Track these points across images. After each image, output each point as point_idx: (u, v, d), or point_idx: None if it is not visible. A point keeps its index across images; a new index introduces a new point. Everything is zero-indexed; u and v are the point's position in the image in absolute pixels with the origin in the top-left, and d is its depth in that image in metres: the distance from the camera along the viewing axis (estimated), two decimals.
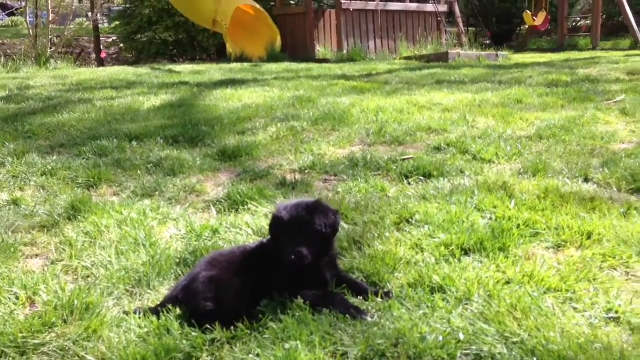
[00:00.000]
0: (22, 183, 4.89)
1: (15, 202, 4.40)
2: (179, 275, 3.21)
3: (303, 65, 14.20)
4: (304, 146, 5.87)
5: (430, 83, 10.17)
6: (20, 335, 2.63)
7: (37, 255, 3.64)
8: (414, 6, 18.05)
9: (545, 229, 3.54)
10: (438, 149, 5.60)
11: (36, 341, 2.62)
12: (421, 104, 7.78)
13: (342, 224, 3.78)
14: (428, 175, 4.72)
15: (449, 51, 15.71)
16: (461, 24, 19.60)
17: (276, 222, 2.87)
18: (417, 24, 18.14)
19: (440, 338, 2.46)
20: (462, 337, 2.47)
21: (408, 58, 16.18)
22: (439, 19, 18.38)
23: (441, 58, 15.14)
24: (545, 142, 5.75)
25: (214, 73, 12.82)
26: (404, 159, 5.17)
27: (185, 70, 13.38)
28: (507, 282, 2.91)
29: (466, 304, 2.74)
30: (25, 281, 3.09)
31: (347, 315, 2.64)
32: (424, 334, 2.49)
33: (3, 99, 8.27)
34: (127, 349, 2.45)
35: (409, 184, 4.65)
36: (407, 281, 2.97)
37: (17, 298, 2.99)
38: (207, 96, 8.74)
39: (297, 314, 2.67)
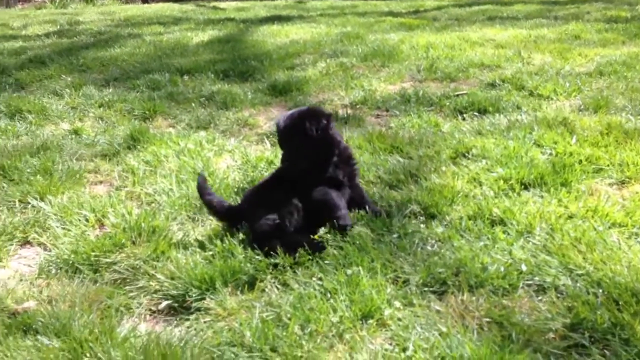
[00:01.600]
0: (81, 114, 5.00)
1: (76, 132, 4.52)
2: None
3: (348, 2, 13.91)
4: (354, 82, 5.80)
5: (481, 19, 9.85)
6: (93, 254, 2.74)
7: (101, 182, 3.75)
8: None
9: (608, 165, 3.46)
10: (492, 85, 5.47)
11: (108, 260, 2.73)
12: (473, 39, 7.56)
13: (397, 157, 3.78)
14: (483, 111, 4.64)
15: None
16: None
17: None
18: None
19: (502, 269, 2.47)
20: (524, 268, 2.47)
21: None
22: None
23: None
24: (606, 78, 5.54)
25: (258, 10, 12.69)
26: (457, 95, 5.07)
27: (230, 7, 13.28)
28: (570, 217, 2.88)
29: (528, 237, 2.73)
30: (94, 205, 3.20)
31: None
32: (485, 264, 2.50)
33: (55, 34, 8.37)
34: (195, 269, 2.54)
35: (464, 119, 4.58)
36: (466, 213, 2.96)
37: (87, 220, 3.11)
38: (254, 32, 8.67)
39: (358, 242, 2.71)
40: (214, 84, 5.79)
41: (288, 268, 2.58)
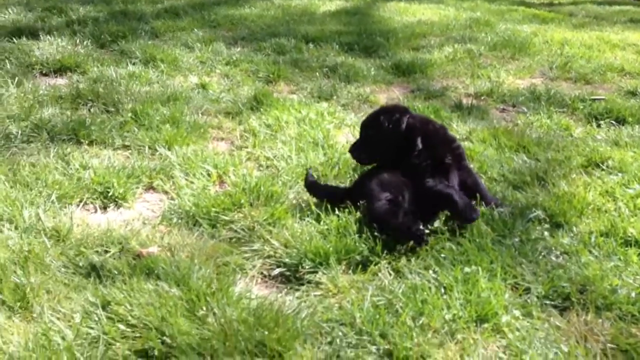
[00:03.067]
0: (209, 69, 5.13)
1: (203, 87, 4.64)
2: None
3: None
4: (481, 71, 5.59)
5: (622, 21, 9.18)
6: (213, 210, 2.81)
7: (222, 139, 3.84)
8: None
9: None
10: (633, 93, 5.08)
11: (226, 217, 2.79)
12: (613, 42, 7.06)
13: (523, 157, 3.61)
14: (622, 121, 4.32)
15: None
16: None
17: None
18: None
19: (633, 294, 2.30)
20: None
21: None
22: None
23: None
24: None
25: None
26: (593, 99, 4.76)
27: None
28: None
29: None
30: (217, 161, 3.28)
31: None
32: (615, 286, 2.33)
33: None
34: (310, 241, 2.54)
35: (599, 126, 4.29)
36: (597, 228, 2.78)
37: (209, 175, 3.18)
38: (380, 7, 8.53)
39: (477, 240, 2.61)
40: (338, 55, 5.76)
41: (403, 255, 2.53)
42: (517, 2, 11.03)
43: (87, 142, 3.53)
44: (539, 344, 2.07)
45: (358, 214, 2.77)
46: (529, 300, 2.29)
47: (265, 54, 5.64)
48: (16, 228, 2.60)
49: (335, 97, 4.64)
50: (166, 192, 3.10)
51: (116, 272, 2.28)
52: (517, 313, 2.18)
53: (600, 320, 2.20)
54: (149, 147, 3.52)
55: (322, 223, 2.74)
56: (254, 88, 4.66)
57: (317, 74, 5.16)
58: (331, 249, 2.50)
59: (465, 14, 8.52)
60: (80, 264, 2.35)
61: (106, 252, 2.45)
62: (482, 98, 4.93)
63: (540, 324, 2.17)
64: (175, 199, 2.98)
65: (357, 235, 2.62)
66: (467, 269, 2.38)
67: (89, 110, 4.00)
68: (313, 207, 2.82)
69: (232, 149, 3.66)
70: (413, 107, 4.32)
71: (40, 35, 5.23)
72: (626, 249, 2.62)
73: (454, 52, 6.12)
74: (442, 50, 6.20)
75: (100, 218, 2.85)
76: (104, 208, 2.94)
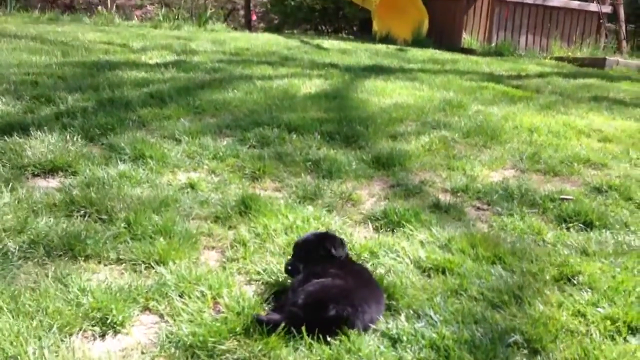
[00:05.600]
0: (196, 164, 5.31)
1: (192, 186, 4.80)
2: None
3: (448, 56, 13.93)
4: (456, 163, 5.87)
5: (586, 98, 9.66)
6: (210, 339, 2.94)
7: (213, 248, 3.99)
8: (575, 4, 17.04)
9: None
10: (598, 190, 5.39)
11: (222, 347, 2.92)
12: (579, 127, 7.46)
13: (500, 269, 3.82)
14: (589, 225, 4.60)
15: (606, 57, 14.79)
16: (624, 29, 18.28)
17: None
18: (576, 23, 17.13)
19: None
20: None
21: (560, 59, 15.36)
22: (600, 20, 17.26)
23: (597, 64, 14.31)
24: None
25: (360, 54, 12.93)
26: (562, 199, 5.05)
27: (333, 47, 13.60)
28: None
29: None
30: (211, 281, 3.41)
31: None
32: None
33: (173, 65, 8.86)
34: None
35: (568, 229, 4.56)
36: (571, 355, 2.98)
37: (203, 295, 3.32)
38: (358, 86, 8.87)
39: None
40: (320, 146, 5.99)
41: None
42: (486, 75, 11.54)
43: (82, 257, 3.64)
44: None
45: (349, 344, 2.93)
46: None
47: (250, 146, 5.85)
48: None
49: (319, 197, 4.84)
50: (162, 316, 3.22)
51: None
52: None
53: None
54: (143, 262, 3.64)
55: (314, 352, 2.89)
56: (241, 188, 4.85)
57: (301, 169, 5.37)
58: None
59: (438, 94, 8.90)
60: None
61: None
62: (458, 194, 5.18)
63: None
64: (171, 323, 3.10)
65: None
66: None
67: (83, 217, 4.11)
68: (305, 337, 2.96)
69: (224, 261, 3.80)
70: (395, 210, 4.56)
71: (31, 131, 5.35)
72: None
73: (430, 141, 6.40)
74: (418, 139, 6.49)
75: (99, 347, 2.95)
76: (103, 336, 3.04)
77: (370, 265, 3.82)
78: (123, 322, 3.10)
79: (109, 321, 3.08)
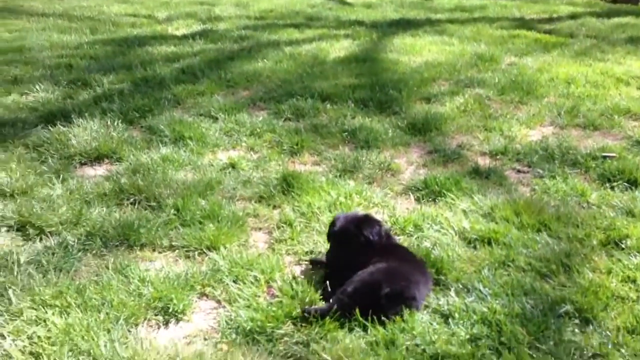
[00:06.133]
0: (235, 142, 5.38)
1: (233, 166, 4.88)
2: None
3: (476, 1, 13.59)
4: (493, 123, 5.83)
5: (622, 40, 9.41)
6: (268, 324, 3.05)
7: (260, 229, 4.09)
8: None
9: None
10: None
11: (280, 331, 3.04)
12: (617, 75, 7.31)
13: (546, 236, 3.84)
14: (634, 183, 4.56)
15: None
16: None
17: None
18: None
19: None
20: None
21: None
22: None
23: None
24: None
25: (385, 7, 12.76)
26: (605, 157, 4.99)
27: (357, 1, 13.40)
28: None
29: None
30: (263, 266, 3.51)
31: None
32: None
33: (201, 36, 8.88)
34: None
35: (612, 189, 4.53)
36: (623, 324, 3.02)
37: (257, 280, 3.43)
38: (387, 45, 8.78)
39: (514, 347, 2.86)
40: (354, 114, 5.99)
41: None
42: (516, 21, 11.27)
43: (138, 246, 3.77)
44: None
45: (403, 324, 3.02)
46: None
47: (286, 119, 5.89)
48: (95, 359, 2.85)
49: (359, 169, 4.88)
50: (219, 302, 3.34)
51: None
52: None
53: None
54: (195, 249, 3.76)
55: (369, 333, 2.99)
56: (280, 165, 4.92)
57: (338, 140, 5.40)
58: None
59: (469, 47, 8.77)
60: None
61: None
62: (498, 157, 5.17)
63: None
64: (230, 311, 3.22)
65: (404, 348, 2.88)
66: None
67: (133, 206, 4.23)
68: (360, 318, 3.05)
69: (272, 242, 3.90)
70: (435, 179, 4.58)
71: (73, 118, 5.47)
72: None
73: (465, 102, 6.36)
74: (452, 100, 6.44)
75: (164, 336, 3.09)
76: (166, 324, 3.18)
77: (415, 239, 3.88)
78: (184, 310, 3.24)
79: (170, 310, 3.22)
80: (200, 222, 4.00)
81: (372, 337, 2.97)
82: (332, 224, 3.57)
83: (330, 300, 3.14)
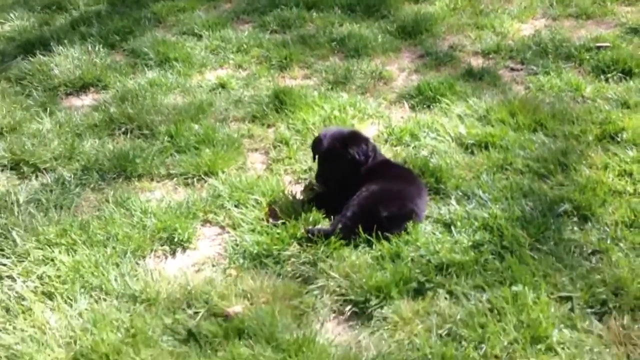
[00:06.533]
0: (222, 60, 5.24)
1: (222, 86, 4.78)
2: None
3: None
4: (484, 20, 5.67)
5: None
6: (274, 247, 3.10)
7: (256, 150, 4.06)
8: None
9: None
10: (635, 30, 5.21)
11: (287, 252, 3.09)
12: None
13: (542, 136, 3.84)
14: (628, 73, 4.51)
15: None
16: None
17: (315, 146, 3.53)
18: None
19: None
20: None
21: None
22: None
23: None
24: None
25: None
26: (598, 47, 4.90)
27: None
28: None
29: None
30: (263, 188, 3.52)
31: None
32: None
33: None
34: (372, 277, 2.84)
35: (606, 81, 4.48)
36: (621, 218, 3.08)
37: (259, 204, 3.44)
38: None
39: (516, 250, 2.92)
40: (342, 21, 5.80)
41: (453, 274, 2.85)
42: None
43: (135, 177, 3.76)
44: (587, 356, 2.43)
45: (407, 237, 3.07)
46: (572, 312, 2.62)
47: (272, 31, 5.71)
48: (108, 295, 2.90)
49: (350, 80, 4.79)
50: (222, 227, 3.37)
51: (212, 336, 2.61)
52: (565, 331, 2.52)
53: (636, 324, 2.54)
54: (193, 175, 3.75)
55: (375, 248, 3.05)
56: (271, 81, 4.82)
57: (327, 51, 5.27)
58: (390, 281, 2.81)
59: None
60: (178, 331, 2.68)
61: (196, 313, 2.76)
62: (490, 56, 5.08)
63: (585, 335, 2.53)
64: (235, 236, 3.26)
65: (410, 259, 2.94)
66: (514, 288, 2.71)
67: (125, 135, 4.18)
68: (363, 235, 3.10)
69: (269, 163, 3.89)
70: (428, 85, 4.52)
71: (52, 47, 5.29)
72: None
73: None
74: None
75: (173, 265, 3.15)
76: (173, 253, 3.23)
77: (412, 149, 3.87)
78: (189, 238, 3.27)
79: (175, 239, 3.25)
80: (196, 148, 3.97)
81: (377, 252, 3.03)
82: (317, 142, 3.48)
83: (333, 221, 3.18)
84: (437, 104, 4.36)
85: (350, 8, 6.07)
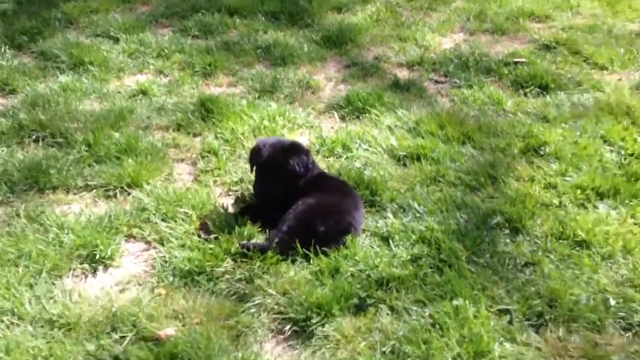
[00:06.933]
0: (141, 65, 5.00)
1: (143, 92, 4.55)
2: None
3: None
4: (406, 32, 5.75)
5: None
6: (207, 263, 2.94)
7: (182, 160, 3.87)
8: None
9: None
10: (547, 46, 5.43)
11: (221, 269, 2.94)
12: None
13: (470, 148, 3.90)
14: (545, 87, 4.67)
15: None
16: None
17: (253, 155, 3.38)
18: None
19: (592, 301, 2.71)
20: (612, 302, 2.71)
21: None
22: None
23: None
24: None
25: None
26: (515, 62, 5.07)
27: None
28: None
29: (609, 262, 2.95)
30: (193, 201, 3.34)
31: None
32: (577, 297, 2.74)
33: None
34: (312, 294, 2.73)
35: (525, 95, 4.63)
36: (549, 230, 3.15)
37: (189, 217, 3.26)
38: None
39: (455, 263, 2.92)
40: (266, 29, 5.71)
41: (394, 289, 2.81)
42: None
43: (49, 189, 3.49)
44: None
45: (345, 251, 3.00)
46: (511, 324, 2.64)
47: (193, 36, 5.53)
48: (21, 319, 2.64)
49: (278, 88, 4.69)
50: (149, 243, 3.17)
51: None
52: (506, 345, 2.53)
53: (571, 337, 2.59)
54: (115, 187, 3.52)
55: (313, 263, 2.95)
56: (195, 88, 4.65)
57: (252, 58, 5.15)
58: (331, 298, 2.72)
59: None
60: (103, 358, 2.46)
61: (122, 338, 2.56)
62: (415, 68, 5.14)
63: (525, 348, 2.55)
64: (163, 252, 3.07)
65: (349, 274, 2.87)
66: (455, 302, 2.70)
67: (37, 144, 3.88)
68: (300, 250, 3.00)
69: (197, 174, 3.72)
70: (358, 95, 4.49)
71: None
72: (578, 251, 3.02)
73: (377, 10, 6.19)
74: (364, 9, 6.27)
75: (94, 285, 2.91)
76: (94, 272, 2.99)
77: (345, 160, 3.83)
78: (112, 255, 3.05)
79: (97, 257, 3.02)
80: (117, 158, 3.73)
81: (315, 267, 2.94)
82: (256, 151, 3.34)
83: (269, 235, 3.06)
84: (367, 114, 4.35)
85: (274, 16, 5.98)
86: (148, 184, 3.54)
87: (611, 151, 3.84)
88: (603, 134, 3.99)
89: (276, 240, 2.98)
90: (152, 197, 3.41)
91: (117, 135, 3.92)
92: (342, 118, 4.37)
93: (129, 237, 3.22)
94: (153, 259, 3.07)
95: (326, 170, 3.60)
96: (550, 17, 6.13)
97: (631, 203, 3.37)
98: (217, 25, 5.71)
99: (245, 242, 3.03)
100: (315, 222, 3.02)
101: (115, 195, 3.48)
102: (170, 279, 2.91)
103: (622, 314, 2.69)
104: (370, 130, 4.12)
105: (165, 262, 3.01)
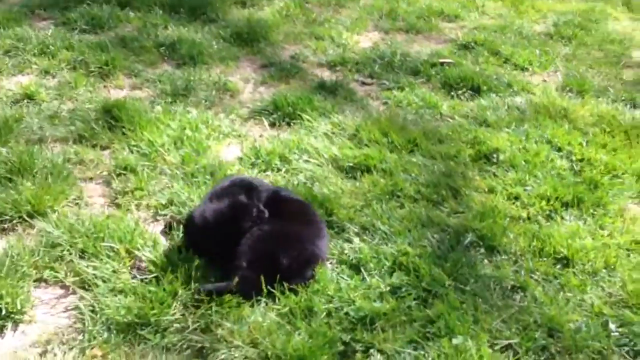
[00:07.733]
0: (22, 64, 4.21)
1: (29, 97, 3.79)
2: None
3: None
4: (319, 29, 5.39)
5: None
6: (152, 312, 2.35)
7: (91, 179, 3.22)
8: None
9: (624, 174, 3.54)
10: (465, 46, 5.29)
11: (170, 317, 2.37)
12: None
13: (420, 157, 3.60)
14: (477, 90, 4.47)
15: None
16: None
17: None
18: None
19: (592, 329, 2.48)
20: (612, 327, 2.50)
21: None
22: None
23: None
24: (566, 43, 5.57)
25: None
26: (442, 63, 4.86)
27: None
28: (628, 249, 2.93)
29: (595, 280, 2.75)
30: (119, 232, 2.71)
31: None
32: (576, 324, 2.50)
33: None
34: (288, 343, 2.27)
35: (459, 97, 4.41)
36: (526, 247, 2.90)
37: (116, 252, 2.64)
38: None
39: (441, 294, 2.58)
40: (165, 23, 5.07)
41: (379, 329, 2.40)
42: None
43: None
44: None
45: (315, 285, 2.55)
46: None
47: (81, 30, 4.77)
48: None
49: (191, 91, 4.12)
50: (66, 287, 2.52)
51: None
52: None
53: None
54: (12, 217, 2.80)
55: (279, 303, 2.47)
56: (92, 91, 3.96)
57: (155, 57, 4.52)
58: (312, 346, 2.26)
59: None
60: None
61: None
62: (338, 68, 4.78)
63: None
64: (89, 299, 2.44)
65: (325, 314, 2.43)
66: (454, 341, 2.35)
67: None
68: (265, 288, 2.51)
69: (114, 196, 3.08)
70: (283, 97, 4.05)
71: None
72: (561, 269, 2.80)
73: (285, 6, 5.77)
74: (271, 4, 5.81)
75: (4, 348, 2.24)
76: (1, 331, 2.31)
77: (286, 174, 3.36)
78: (21, 308, 2.37)
79: (2, 312, 2.33)
80: (10, 180, 3.00)
81: (283, 307, 2.45)
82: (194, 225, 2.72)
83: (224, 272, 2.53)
84: (298, 120, 3.90)
85: (173, 9, 5.35)
86: (54, 211, 2.86)
87: (561, 157, 3.68)
88: (549, 138, 3.85)
89: (236, 279, 2.46)
90: (63, 228, 2.74)
91: (4, 150, 3.16)
92: (272, 125, 3.89)
93: (39, 281, 2.55)
94: (75, 307, 2.43)
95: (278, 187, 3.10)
96: (459, 17, 6.05)
97: (595, 212, 3.21)
98: (107, 18, 4.98)
99: (204, 285, 2.47)
100: (276, 254, 2.54)
101: (13, 228, 2.77)
102: (105, 335, 2.30)
103: (625, 340, 2.48)
104: (306, 139, 3.68)
105: (94, 312, 2.38)
